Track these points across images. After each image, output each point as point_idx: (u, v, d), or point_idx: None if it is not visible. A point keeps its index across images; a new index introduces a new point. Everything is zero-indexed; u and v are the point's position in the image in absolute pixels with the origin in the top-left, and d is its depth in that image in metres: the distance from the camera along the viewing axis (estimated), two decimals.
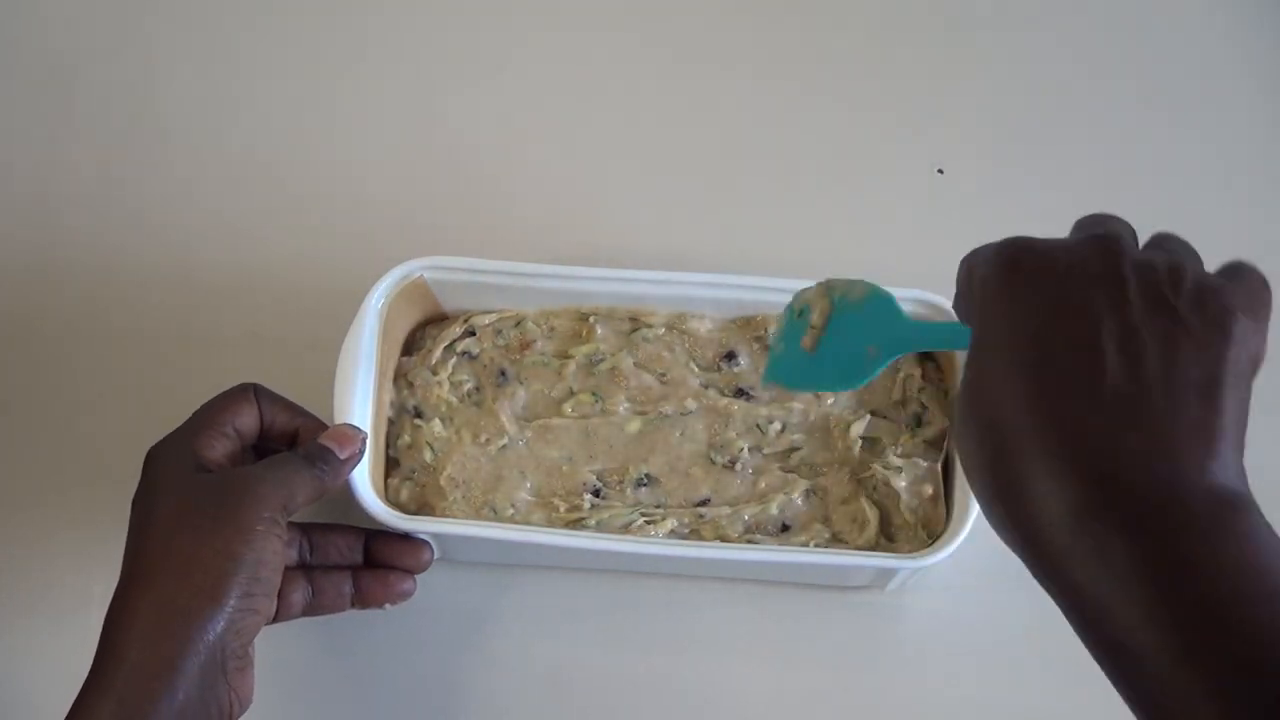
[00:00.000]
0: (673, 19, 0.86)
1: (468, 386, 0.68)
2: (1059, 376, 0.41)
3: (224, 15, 0.85)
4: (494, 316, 0.69)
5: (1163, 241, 0.46)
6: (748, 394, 0.68)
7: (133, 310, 0.76)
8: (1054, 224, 0.79)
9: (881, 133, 0.83)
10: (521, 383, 0.68)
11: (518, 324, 0.69)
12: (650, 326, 0.69)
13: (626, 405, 0.67)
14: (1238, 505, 0.39)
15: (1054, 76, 0.84)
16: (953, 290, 0.67)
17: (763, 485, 0.66)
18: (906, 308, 0.67)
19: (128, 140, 0.81)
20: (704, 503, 0.66)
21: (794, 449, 0.67)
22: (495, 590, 0.69)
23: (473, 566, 0.70)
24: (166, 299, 0.76)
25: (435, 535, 0.65)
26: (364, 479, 0.63)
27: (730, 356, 0.68)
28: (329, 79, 0.84)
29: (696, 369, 0.68)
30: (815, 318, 0.55)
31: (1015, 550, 0.43)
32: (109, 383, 0.74)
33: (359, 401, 0.64)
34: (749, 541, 0.65)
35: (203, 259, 0.77)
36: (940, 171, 0.81)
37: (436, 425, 0.67)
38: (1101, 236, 0.44)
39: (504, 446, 0.67)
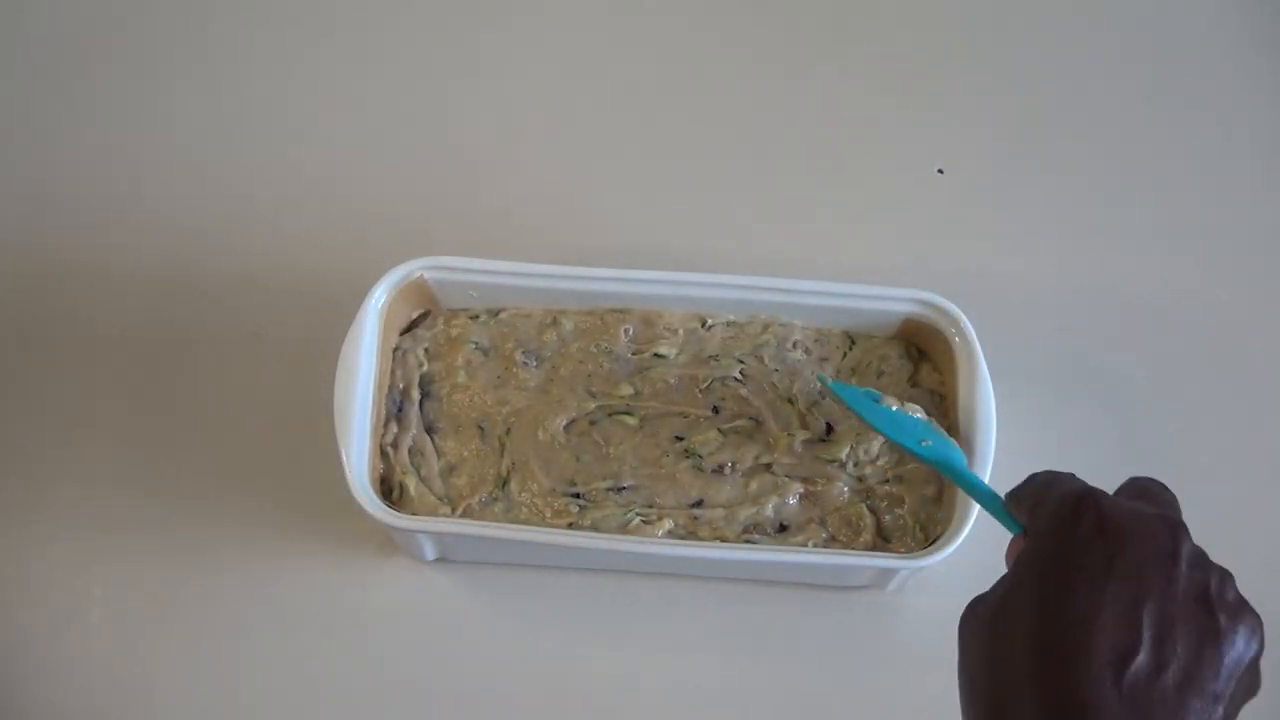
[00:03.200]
0: (674, 20, 0.86)
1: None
2: (1087, 638, 0.41)
3: (224, 16, 0.85)
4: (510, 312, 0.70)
5: (1156, 492, 0.48)
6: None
7: (133, 310, 0.76)
8: (1053, 224, 0.80)
9: (881, 132, 0.83)
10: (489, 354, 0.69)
11: (528, 315, 0.70)
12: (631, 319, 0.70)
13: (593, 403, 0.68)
14: None
15: (1054, 76, 0.84)
16: (952, 289, 0.68)
17: (754, 487, 0.66)
18: (905, 307, 0.68)
19: (128, 140, 0.81)
20: (697, 504, 0.66)
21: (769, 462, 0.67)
22: (495, 590, 0.69)
23: (473, 566, 0.70)
24: (166, 299, 0.76)
25: (435, 535, 0.65)
26: (364, 480, 0.63)
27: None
28: (329, 80, 0.84)
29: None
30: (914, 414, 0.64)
31: None
32: (109, 383, 0.74)
33: (359, 402, 0.64)
34: (747, 542, 0.65)
35: (203, 259, 0.77)
36: (940, 171, 0.81)
37: (403, 455, 0.67)
38: (1168, 519, 0.44)
39: (482, 433, 0.67)
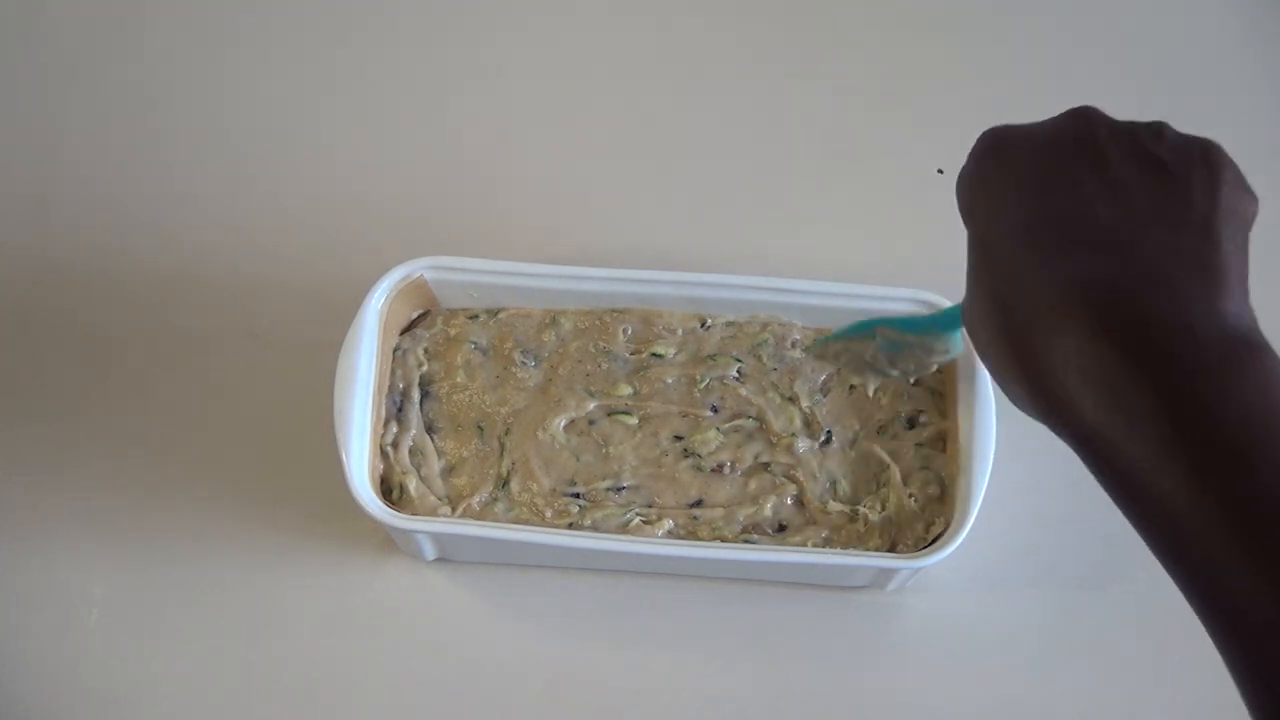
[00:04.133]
0: (673, 20, 0.86)
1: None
2: (1054, 234, 0.41)
3: (224, 15, 0.85)
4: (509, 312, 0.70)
5: None
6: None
7: (132, 311, 0.76)
8: None
9: (881, 133, 0.83)
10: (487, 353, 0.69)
11: (527, 315, 0.70)
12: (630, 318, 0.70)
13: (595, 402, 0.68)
14: (1253, 346, 0.38)
15: (1054, 76, 0.84)
16: (952, 289, 0.67)
17: (753, 487, 0.66)
18: (905, 307, 0.68)
19: (128, 140, 0.81)
20: (697, 504, 0.66)
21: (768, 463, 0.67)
22: (495, 590, 0.69)
23: (473, 566, 0.70)
24: (166, 299, 0.76)
25: (435, 535, 0.66)
26: (364, 480, 0.63)
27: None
28: (329, 79, 0.84)
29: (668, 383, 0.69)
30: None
31: (1032, 411, 0.42)
32: (108, 383, 0.74)
33: (359, 402, 0.64)
34: (746, 541, 0.65)
35: (203, 259, 0.77)
36: (940, 171, 0.81)
37: (403, 455, 0.67)
38: (1077, 109, 0.44)
39: (481, 433, 0.67)
